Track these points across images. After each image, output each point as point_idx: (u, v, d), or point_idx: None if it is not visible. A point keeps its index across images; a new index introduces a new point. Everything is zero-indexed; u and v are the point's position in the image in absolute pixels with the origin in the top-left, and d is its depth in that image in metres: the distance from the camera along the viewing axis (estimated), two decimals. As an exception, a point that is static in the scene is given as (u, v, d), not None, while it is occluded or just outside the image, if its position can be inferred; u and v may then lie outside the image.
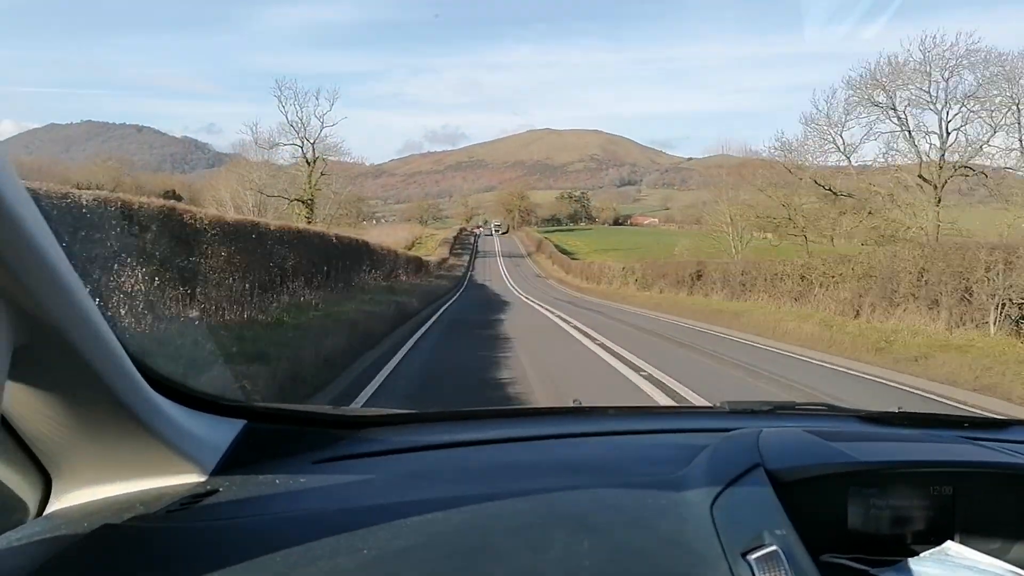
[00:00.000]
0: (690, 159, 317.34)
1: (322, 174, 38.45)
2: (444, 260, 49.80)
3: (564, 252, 63.06)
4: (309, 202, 37.30)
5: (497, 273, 52.86)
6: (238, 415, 1.04)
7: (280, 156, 38.91)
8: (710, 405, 1.63)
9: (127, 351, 0.78)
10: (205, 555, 0.72)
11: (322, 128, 38.99)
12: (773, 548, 0.74)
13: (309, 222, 34.45)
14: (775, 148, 26.68)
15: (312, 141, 38.93)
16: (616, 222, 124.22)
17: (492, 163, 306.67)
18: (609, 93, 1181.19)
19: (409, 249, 42.77)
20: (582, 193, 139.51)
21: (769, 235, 33.67)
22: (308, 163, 38.27)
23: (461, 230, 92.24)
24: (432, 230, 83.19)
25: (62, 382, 0.72)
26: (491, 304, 23.01)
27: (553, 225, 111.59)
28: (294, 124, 38.92)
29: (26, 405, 0.74)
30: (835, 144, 23.56)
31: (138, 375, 0.80)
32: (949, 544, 0.98)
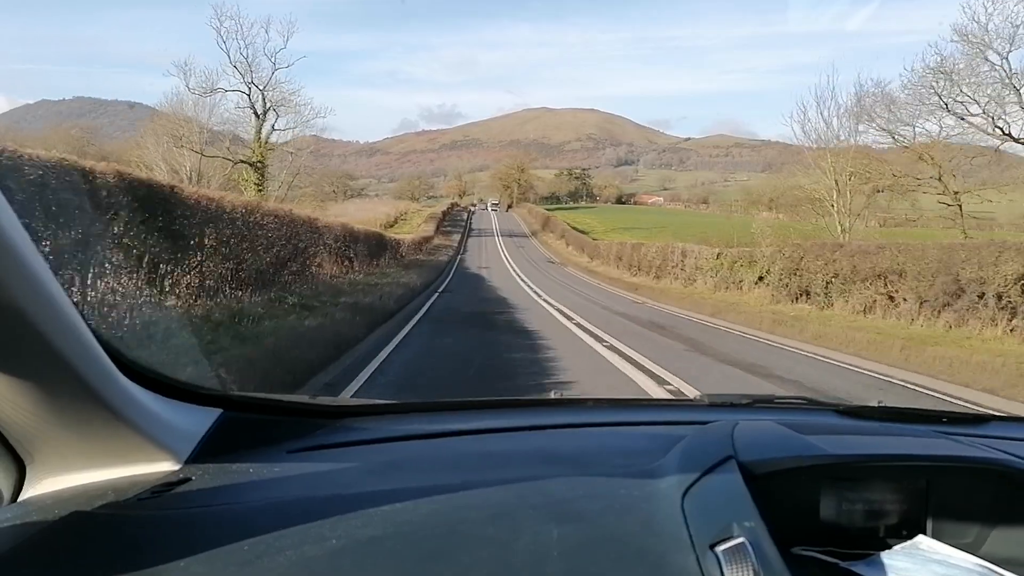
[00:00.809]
0: (688, 139, 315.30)
1: (273, 128, 30.11)
2: (427, 239, 38.83)
3: (579, 232, 49.60)
4: (259, 166, 29.23)
5: (496, 256, 39.56)
6: (214, 404, 1.03)
7: (224, 107, 31.15)
8: (690, 398, 1.60)
9: (98, 338, 0.78)
10: (173, 543, 0.73)
11: (274, 71, 30.23)
12: (741, 540, 0.75)
13: (260, 191, 27.91)
14: (909, 78, 19.21)
15: (262, 88, 30.16)
16: (619, 200, 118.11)
17: (487, 142, 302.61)
18: (606, 73, 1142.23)
19: (390, 227, 36.76)
20: (583, 170, 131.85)
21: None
22: (256, 115, 30.22)
23: (452, 205, 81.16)
24: (421, 207, 70.22)
25: (29, 368, 0.72)
26: (491, 323, 12.15)
27: (553, 203, 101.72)
28: (238, 64, 29.68)
29: None
30: (1001, 72, 17.27)
31: (108, 361, 0.80)
32: (921, 538, 0.98)
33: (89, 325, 0.76)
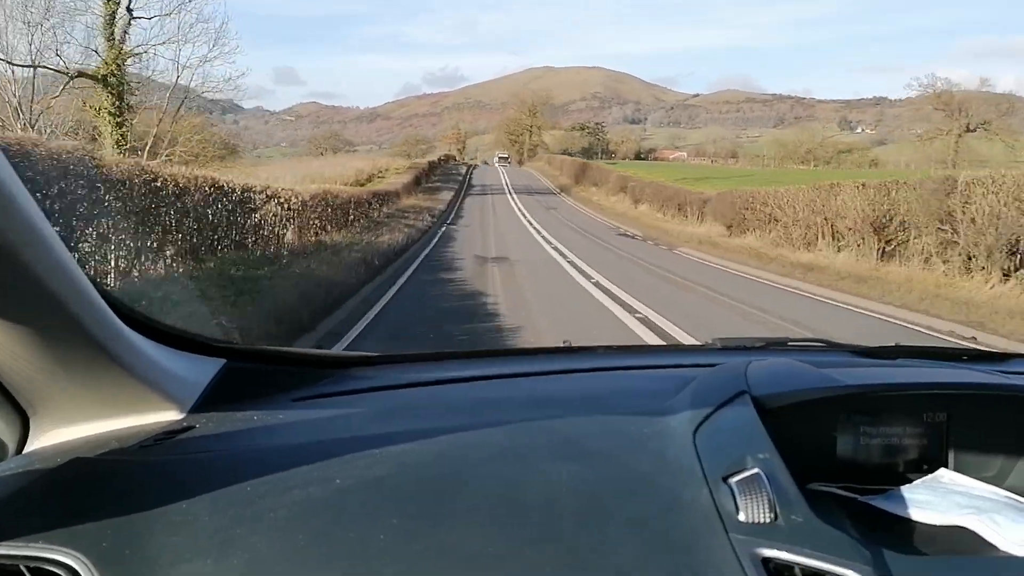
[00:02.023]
0: (696, 95, 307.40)
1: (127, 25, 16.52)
2: (385, 197, 22.08)
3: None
4: (115, 90, 16.21)
5: (520, 230, 20.08)
6: (218, 354, 1.02)
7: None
8: (702, 343, 1.55)
9: (98, 289, 0.78)
10: (176, 486, 0.74)
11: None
12: (755, 471, 0.74)
13: (122, 145, 15.79)
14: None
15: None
16: (638, 156, 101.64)
17: (490, 103, 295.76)
18: (610, 31, 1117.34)
19: (363, 185, 24.47)
20: (597, 124, 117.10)
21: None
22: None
23: (446, 157, 62.67)
24: (409, 162, 46.38)
25: (30, 318, 0.71)
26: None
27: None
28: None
29: None
30: None
31: (107, 308, 0.79)
32: (942, 471, 0.95)
33: (88, 275, 0.74)
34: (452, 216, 24.82)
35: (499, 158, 76.31)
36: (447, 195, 32.32)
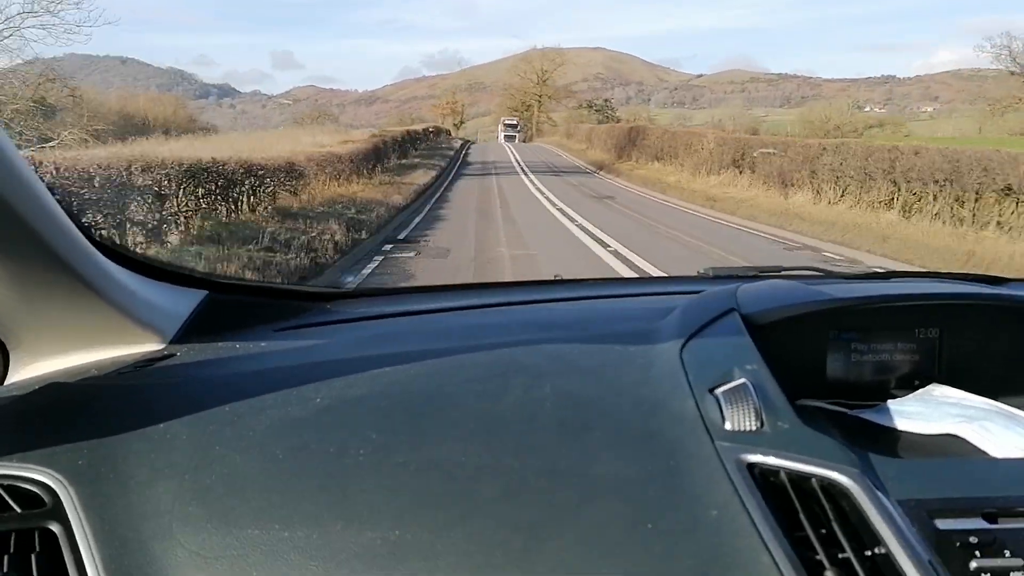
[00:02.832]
0: (700, 76, 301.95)
1: None
2: None
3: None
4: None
5: (569, 248, 9.38)
6: (200, 286, 1.00)
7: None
8: (694, 273, 1.48)
9: (73, 220, 0.76)
10: (155, 409, 0.74)
11: None
12: (741, 381, 0.73)
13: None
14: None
15: None
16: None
17: (491, 85, 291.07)
18: (612, 12, 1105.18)
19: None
20: (605, 101, 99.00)
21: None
22: None
23: (435, 129, 42.94)
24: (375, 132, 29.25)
25: (6, 248, 0.70)
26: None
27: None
28: None
29: None
30: None
31: (86, 242, 0.78)
32: (934, 386, 0.94)
33: (62, 205, 0.72)
34: (420, 220, 12.27)
35: (504, 126, 55.46)
36: (425, 177, 19.49)
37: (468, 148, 41.35)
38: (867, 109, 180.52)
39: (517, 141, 50.28)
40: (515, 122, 57.82)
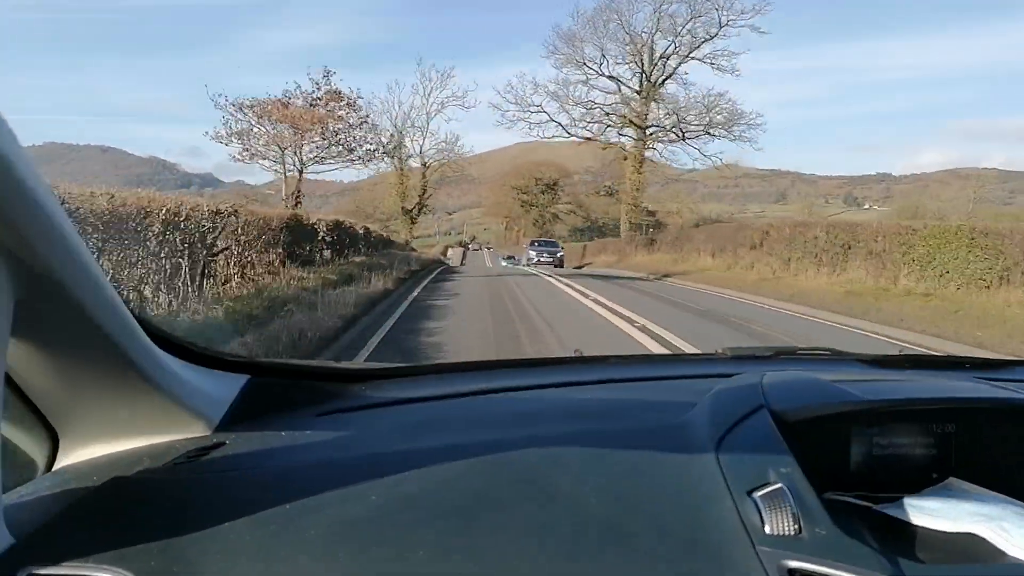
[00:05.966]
0: (692, 170, 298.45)
1: None
2: None
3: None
4: None
5: None
6: (242, 370, 1.03)
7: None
8: (712, 353, 1.54)
9: (130, 309, 0.78)
10: (213, 505, 0.74)
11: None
12: (779, 486, 0.76)
13: None
14: None
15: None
16: (695, 224, 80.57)
17: (480, 177, 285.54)
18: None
19: None
20: (607, 186, 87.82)
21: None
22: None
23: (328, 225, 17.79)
24: None
25: (64, 337, 0.72)
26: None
27: (587, 237, 56.80)
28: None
29: (29, 361, 0.74)
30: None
31: (140, 330, 0.80)
32: (951, 480, 0.98)
33: (121, 295, 0.75)
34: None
35: (533, 247, 33.50)
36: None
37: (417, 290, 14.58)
38: (866, 207, 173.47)
39: (555, 267, 28.81)
40: (552, 240, 38.44)
